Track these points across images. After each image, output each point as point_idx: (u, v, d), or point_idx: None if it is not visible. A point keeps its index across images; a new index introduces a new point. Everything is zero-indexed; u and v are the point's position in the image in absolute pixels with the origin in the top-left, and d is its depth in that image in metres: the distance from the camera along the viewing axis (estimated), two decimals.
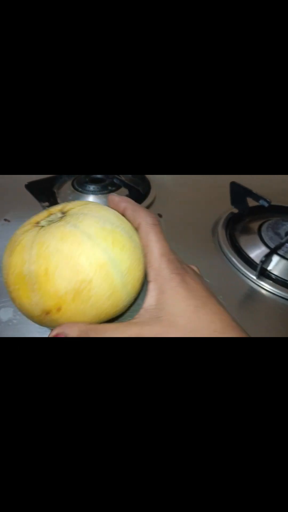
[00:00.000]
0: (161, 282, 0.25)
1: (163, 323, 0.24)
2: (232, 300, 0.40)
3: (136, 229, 0.29)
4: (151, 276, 0.26)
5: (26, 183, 0.49)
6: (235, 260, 0.45)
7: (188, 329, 0.23)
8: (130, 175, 0.61)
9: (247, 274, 0.43)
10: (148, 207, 0.56)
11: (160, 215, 0.54)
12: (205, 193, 0.62)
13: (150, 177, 0.63)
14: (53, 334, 0.24)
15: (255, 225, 0.52)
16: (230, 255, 0.46)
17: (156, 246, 0.27)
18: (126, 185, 0.53)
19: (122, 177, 0.55)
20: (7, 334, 0.36)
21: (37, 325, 0.27)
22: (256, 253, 0.46)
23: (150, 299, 0.25)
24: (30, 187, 0.49)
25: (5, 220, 0.51)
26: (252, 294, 0.41)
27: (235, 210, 0.55)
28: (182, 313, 0.24)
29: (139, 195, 0.52)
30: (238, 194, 0.52)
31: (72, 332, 0.23)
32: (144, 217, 0.28)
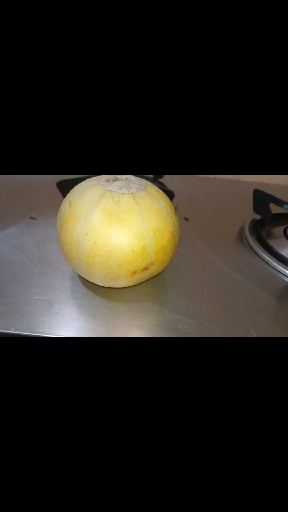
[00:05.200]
0: None
1: None
2: (268, 296, 0.40)
3: None
4: None
5: (57, 182, 0.49)
6: (269, 258, 0.45)
7: None
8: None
9: (283, 271, 0.44)
10: None
11: (186, 219, 0.54)
12: (224, 200, 0.63)
13: (170, 186, 0.64)
14: None
15: (280, 230, 0.53)
16: (263, 254, 0.46)
17: None
18: None
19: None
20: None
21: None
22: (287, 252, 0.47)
23: None
24: (61, 185, 0.49)
25: (31, 218, 0.50)
26: None
27: (257, 217, 0.56)
28: None
29: (168, 195, 0.52)
30: (261, 200, 0.54)
31: None
32: None
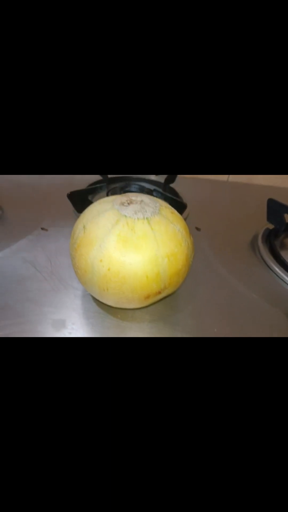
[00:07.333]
0: None
1: None
2: (281, 315, 0.39)
3: None
4: None
5: (68, 193, 0.48)
6: (283, 274, 0.44)
7: None
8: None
9: None
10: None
11: (198, 229, 0.54)
12: (237, 205, 0.62)
13: (181, 192, 0.63)
14: None
15: None
16: (276, 269, 0.45)
17: None
18: (166, 198, 0.53)
19: (160, 189, 0.55)
20: None
21: None
22: None
23: None
24: (71, 196, 0.49)
25: (42, 229, 0.50)
26: None
27: (270, 226, 0.55)
28: None
29: (180, 206, 0.51)
30: (275, 210, 0.53)
31: None
32: None
